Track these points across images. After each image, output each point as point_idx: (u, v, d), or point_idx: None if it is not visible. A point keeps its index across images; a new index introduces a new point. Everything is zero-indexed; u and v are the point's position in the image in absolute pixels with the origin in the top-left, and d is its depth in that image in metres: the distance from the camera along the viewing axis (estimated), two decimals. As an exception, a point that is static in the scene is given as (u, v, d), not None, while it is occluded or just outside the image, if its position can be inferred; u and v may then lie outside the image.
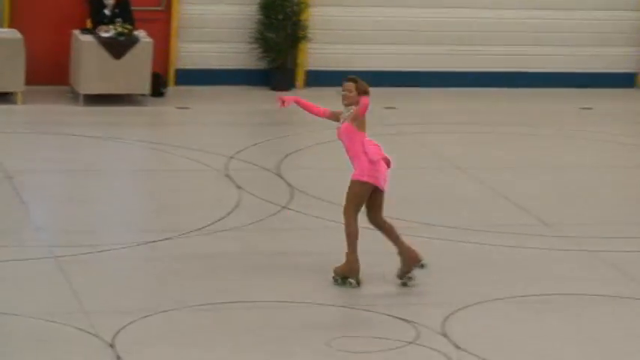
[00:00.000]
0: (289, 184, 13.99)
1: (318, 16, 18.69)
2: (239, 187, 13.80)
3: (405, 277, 11.18)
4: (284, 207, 13.16)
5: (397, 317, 10.22)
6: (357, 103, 11.14)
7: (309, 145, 16.26)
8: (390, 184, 13.68)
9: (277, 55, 18.37)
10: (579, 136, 17.33)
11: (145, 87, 17.45)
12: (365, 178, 11.09)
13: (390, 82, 18.32)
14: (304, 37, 18.40)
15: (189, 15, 18.59)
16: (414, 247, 11.39)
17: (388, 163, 11.36)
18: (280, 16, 18.23)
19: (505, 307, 10.75)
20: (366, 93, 11.26)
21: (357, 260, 11.23)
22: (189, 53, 18.72)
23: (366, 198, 11.27)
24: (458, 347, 9.49)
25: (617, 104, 19.15)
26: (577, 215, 13.40)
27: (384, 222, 11.37)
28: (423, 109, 18.37)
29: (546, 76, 20.15)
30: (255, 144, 16.08)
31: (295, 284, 11.23)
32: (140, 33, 17.49)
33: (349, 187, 11.23)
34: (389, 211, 12.58)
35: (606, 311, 10.87)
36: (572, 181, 14.81)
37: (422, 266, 11.34)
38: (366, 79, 17.41)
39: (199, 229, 12.31)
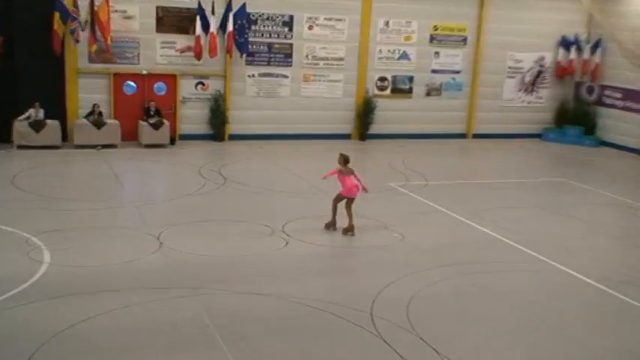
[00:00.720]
0: (224, 177, 18.83)
1: (234, 113, 25.79)
2: (204, 177, 18.95)
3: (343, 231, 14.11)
4: (222, 184, 17.96)
5: (263, 225, 14.03)
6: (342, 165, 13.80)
7: (234, 162, 21.86)
8: (256, 175, 18.82)
9: (217, 128, 25.66)
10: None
11: (167, 141, 24.08)
12: (343, 193, 14.47)
13: (264, 138, 25.96)
14: (227, 121, 25.52)
15: (185, 113, 25.48)
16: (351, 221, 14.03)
17: (361, 188, 14.17)
18: (217, 113, 25.43)
19: (310, 222, 14.29)
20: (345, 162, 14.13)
21: (334, 222, 14.18)
22: (185, 127, 25.48)
23: (342, 199, 14.34)
24: (288, 235, 13.46)
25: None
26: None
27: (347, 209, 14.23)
28: (276, 149, 24.30)
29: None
30: (210, 161, 21.85)
31: (234, 211, 14.83)
32: (165, 120, 24.14)
33: (337, 195, 13.96)
34: (256, 181, 17.70)
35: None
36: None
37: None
38: (253, 137, 25.24)
39: (190, 194, 17.12)
